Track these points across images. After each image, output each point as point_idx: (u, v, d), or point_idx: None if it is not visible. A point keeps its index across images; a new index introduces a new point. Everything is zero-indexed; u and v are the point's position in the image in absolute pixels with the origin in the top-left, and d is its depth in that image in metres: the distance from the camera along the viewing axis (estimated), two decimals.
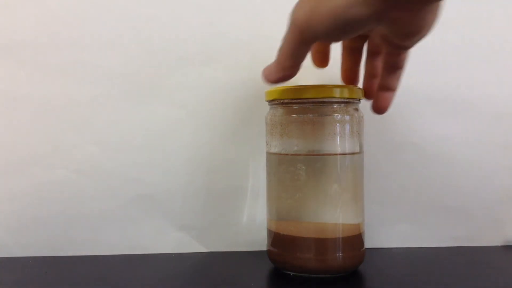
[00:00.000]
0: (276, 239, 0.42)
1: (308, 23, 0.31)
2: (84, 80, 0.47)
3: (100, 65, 0.47)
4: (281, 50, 0.34)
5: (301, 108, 0.41)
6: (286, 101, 0.41)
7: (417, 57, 0.48)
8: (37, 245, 0.47)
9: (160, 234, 0.48)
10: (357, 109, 0.42)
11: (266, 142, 0.44)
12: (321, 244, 0.40)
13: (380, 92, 0.40)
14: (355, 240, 0.41)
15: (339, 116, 0.40)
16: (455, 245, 0.49)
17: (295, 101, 0.40)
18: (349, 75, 0.43)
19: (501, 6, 0.48)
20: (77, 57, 0.47)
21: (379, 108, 0.40)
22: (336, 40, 0.33)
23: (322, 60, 0.42)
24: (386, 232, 0.49)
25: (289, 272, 0.41)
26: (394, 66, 0.38)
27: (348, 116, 0.41)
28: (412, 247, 0.49)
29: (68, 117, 0.47)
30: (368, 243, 0.49)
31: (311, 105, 0.40)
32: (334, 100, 0.40)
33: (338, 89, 0.39)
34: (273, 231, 0.42)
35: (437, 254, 0.47)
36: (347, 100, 0.40)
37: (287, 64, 0.34)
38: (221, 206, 0.48)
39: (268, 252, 0.43)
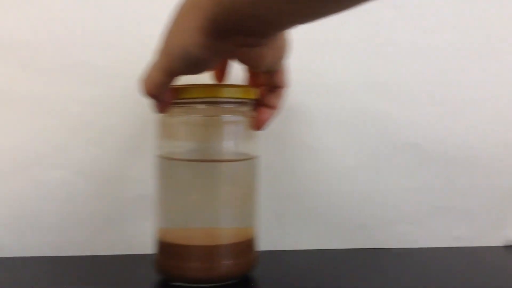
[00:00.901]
0: (162, 247, 0.38)
1: (167, 60, 0.32)
2: (84, 80, 0.47)
3: (100, 65, 0.47)
4: (148, 80, 0.34)
5: (189, 109, 0.37)
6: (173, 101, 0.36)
7: (418, 57, 0.48)
8: (37, 245, 0.47)
9: None
10: (250, 110, 0.39)
11: (156, 144, 0.40)
12: (208, 251, 0.37)
13: (259, 107, 0.38)
14: (244, 245, 0.38)
15: (230, 117, 0.37)
16: (455, 245, 0.49)
17: (182, 101, 0.36)
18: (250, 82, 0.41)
19: (500, 6, 0.48)
20: (77, 57, 0.46)
21: (256, 122, 0.38)
22: (195, 73, 0.33)
23: (220, 78, 0.41)
24: (386, 232, 0.49)
25: (176, 283, 0.38)
26: (271, 85, 0.37)
27: (240, 117, 0.38)
28: (412, 247, 0.49)
29: (68, 117, 0.47)
30: (369, 243, 0.49)
31: (199, 105, 0.37)
32: (224, 100, 0.37)
33: (228, 89, 0.36)
34: (159, 239, 0.39)
35: (437, 254, 0.47)
36: (239, 100, 0.37)
37: (154, 93, 0.34)
38: None
39: (154, 262, 0.39)
